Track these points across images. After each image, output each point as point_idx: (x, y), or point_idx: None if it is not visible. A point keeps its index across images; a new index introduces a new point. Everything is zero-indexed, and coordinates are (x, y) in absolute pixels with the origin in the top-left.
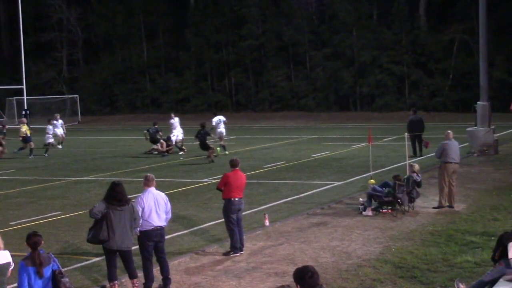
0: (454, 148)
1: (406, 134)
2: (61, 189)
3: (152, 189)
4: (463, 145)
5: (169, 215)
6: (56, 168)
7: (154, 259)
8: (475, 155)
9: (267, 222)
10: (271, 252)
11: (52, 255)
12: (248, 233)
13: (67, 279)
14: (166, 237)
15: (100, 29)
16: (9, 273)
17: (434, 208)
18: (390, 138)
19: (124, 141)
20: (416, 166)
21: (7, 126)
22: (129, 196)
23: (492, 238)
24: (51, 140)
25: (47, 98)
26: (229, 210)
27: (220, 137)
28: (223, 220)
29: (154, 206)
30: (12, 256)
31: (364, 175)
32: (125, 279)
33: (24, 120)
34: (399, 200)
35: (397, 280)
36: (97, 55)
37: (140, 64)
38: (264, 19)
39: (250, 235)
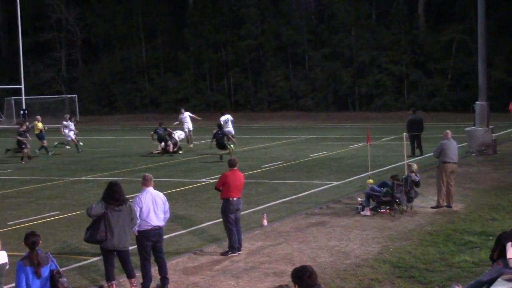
0: (453, 148)
1: (404, 134)
2: (59, 189)
3: (150, 189)
4: (462, 144)
5: (167, 215)
6: (55, 168)
7: (152, 259)
8: (474, 155)
9: (265, 222)
10: (269, 252)
11: (50, 255)
12: (246, 233)
13: (65, 279)
14: (164, 237)
15: (99, 29)
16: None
17: (432, 208)
18: (388, 138)
19: (122, 141)
20: (414, 166)
21: (25, 126)
22: (127, 196)
23: (491, 238)
24: (73, 137)
25: (46, 98)
26: (227, 210)
27: (227, 136)
28: (221, 220)
29: (152, 206)
30: (10, 256)
31: (363, 175)
32: (123, 279)
33: (39, 117)
34: (397, 200)
35: (395, 280)
36: (96, 55)
37: (139, 64)
38: (262, 19)
39: (248, 235)
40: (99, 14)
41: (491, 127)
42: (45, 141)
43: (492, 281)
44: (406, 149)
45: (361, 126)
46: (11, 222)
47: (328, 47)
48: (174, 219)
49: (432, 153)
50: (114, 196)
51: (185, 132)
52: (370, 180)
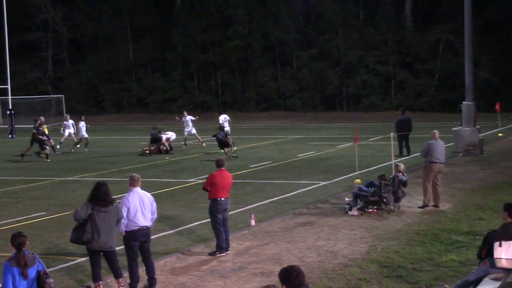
0: (440, 148)
1: (391, 133)
2: (46, 190)
3: (138, 189)
4: (449, 144)
5: (155, 215)
6: (41, 168)
7: (139, 259)
8: (461, 154)
9: (253, 222)
10: (257, 252)
11: (37, 256)
12: (234, 233)
13: (52, 280)
14: (152, 237)
15: (86, 29)
16: None
17: (419, 207)
18: (376, 138)
19: (110, 141)
20: (402, 166)
21: (39, 121)
22: (114, 196)
23: (477, 237)
24: (86, 135)
25: (32, 98)
26: (215, 210)
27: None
28: (209, 220)
29: (140, 206)
30: None
31: (350, 175)
32: (110, 279)
33: (42, 118)
34: (384, 200)
35: (383, 280)
36: (83, 55)
37: (126, 64)
38: (250, 19)
39: (236, 235)
40: (86, 13)
41: (478, 127)
42: (51, 140)
43: (479, 280)
44: (393, 149)
45: (349, 126)
46: None
47: (316, 47)
48: (162, 219)
49: (419, 153)
50: (101, 196)
51: (184, 134)
52: (357, 180)
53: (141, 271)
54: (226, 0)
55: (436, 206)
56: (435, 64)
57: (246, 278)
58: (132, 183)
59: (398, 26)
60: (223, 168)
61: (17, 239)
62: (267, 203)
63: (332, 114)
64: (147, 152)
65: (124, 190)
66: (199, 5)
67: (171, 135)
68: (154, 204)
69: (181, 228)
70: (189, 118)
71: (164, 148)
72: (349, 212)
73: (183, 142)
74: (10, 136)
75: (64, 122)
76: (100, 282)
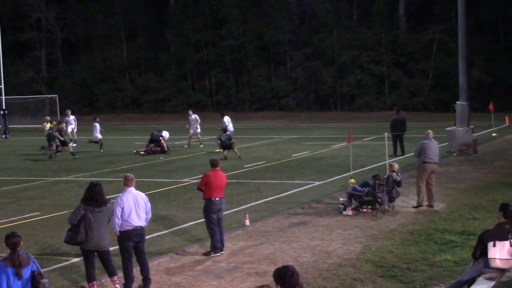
0: (433, 148)
1: (386, 133)
2: (40, 190)
3: (132, 189)
4: (443, 144)
5: (149, 215)
6: (35, 168)
7: (134, 259)
8: (454, 154)
9: (247, 222)
10: (251, 252)
11: (31, 256)
12: (228, 233)
13: (46, 280)
14: (146, 237)
15: (80, 29)
16: None
17: (413, 207)
18: (370, 138)
19: (104, 141)
20: (396, 166)
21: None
22: (108, 197)
23: (471, 237)
24: (101, 136)
25: (26, 98)
26: (209, 210)
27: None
28: (203, 220)
29: (134, 206)
30: None
31: (344, 175)
32: (104, 279)
33: (48, 118)
34: (379, 200)
35: (377, 279)
36: (77, 54)
37: (120, 64)
38: (244, 19)
39: (230, 235)
40: (80, 13)
41: (472, 127)
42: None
43: (473, 280)
44: (387, 149)
45: (343, 126)
46: None
47: (310, 47)
48: (156, 220)
49: (413, 153)
50: (94, 197)
51: (189, 133)
52: (352, 180)
53: (136, 271)
54: (220, 0)
55: (430, 206)
56: (429, 64)
57: (241, 278)
58: (127, 183)
59: (392, 26)
60: (217, 168)
61: (11, 239)
62: (261, 203)
63: (326, 114)
64: (141, 152)
65: (119, 190)
66: (192, 5)
67: (165, 134)
68: (149, 204)
69: (175, 228)
70: (194, 116)
71: (159, 149)
72: (344, 212)
73: (186, 142)
74: (3, 136)
75: (66, 118)
76: (95, 282)
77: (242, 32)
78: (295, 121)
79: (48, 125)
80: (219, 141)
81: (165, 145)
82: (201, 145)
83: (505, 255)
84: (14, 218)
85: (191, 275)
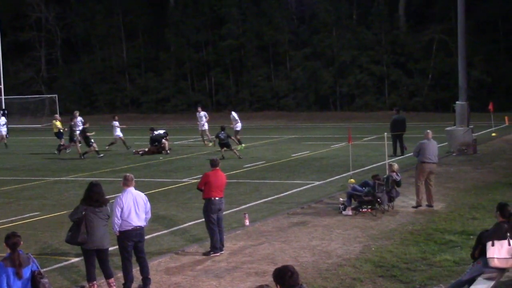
0: (432, 148)
1: (385, 133)
2: (39, 190)
3: (131, 189)
4: (442, 144)
5: (149, 215)
6: (35, 168)
7: (133, 259)
8: (454, 154)
9: (247, 222)
10: (251, 251)
11: (31, 256)
12: (228, 233)
13: (46, 280)
14: (146, 237)
15: (79, 29)
16: None
17: (413, 207)
18: (370, 138)
19: (103, 141)
20: (395, 166)
21: (87, 124)
22: (108, 197)
23: (471, 237)
24: (121, 135)
25: (26, 98)
26: (209, 210)
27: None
28: (203, 220)
29: (134, 206)
30: None
31: (344, 175)
32: (104, 279)
33: (57, 116)
34: (378, 200)
35: (376, 279)
36: (76, 54)
37: (120, 64)
38: (244, 19)
39: (230, 235)
40: (79, 13)
41: (471, 126)
42: (63, 140)
43: (473, 280)
44: (387, 149)
45: (343, 126)
46: None
47: (309, 47)
48: (156, 219)
49: (412, 153)
50: (94, 197)
51: (199, 131)
52: (351, 179)
53: (135, 271)
54: (220, 0)
55: (430, 206)
56: (429, 64)
57: (241, 278)
58: (126, 183)
59: (392, 26)
60: (217, 168)
61: (12, 239)
62: (261, 203)
63: (326, 114)
64: (140, 152)
65: (118, 190)
66: (192, 5)
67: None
68: (148, 204)
69: (175, 228)
70: (203, 113)
71: (158, 149)
72: (343, 212)
73: (201, 140)
74: None
75: (74, 119)
76: (95, 282)
77: (242, 32)
78: (295, 121)
79: (58, 123)
80: (216, 139)
81: (166, 144)
82: (210, 144)
83: (504, 255)
84: (13, 218)
85: (190, 275)
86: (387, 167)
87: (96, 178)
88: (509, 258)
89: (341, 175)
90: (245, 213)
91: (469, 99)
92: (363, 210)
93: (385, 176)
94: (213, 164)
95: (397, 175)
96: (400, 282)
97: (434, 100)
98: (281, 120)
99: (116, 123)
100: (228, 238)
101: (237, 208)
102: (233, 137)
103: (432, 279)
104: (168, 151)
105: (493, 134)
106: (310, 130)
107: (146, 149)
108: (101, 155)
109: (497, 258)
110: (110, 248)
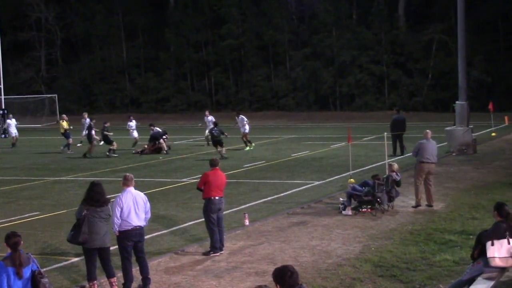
0: (430, 148)
1: (385, 133)
2: (39, 189)
3: (131, 189)
4: (442, 144)
5: (149, 215)
6: (35, 168)
7: (133, 259)
8: (454, 154)
9: (247, 222)
10: (251, 251)
11: (31, 256)
12: (228, 232)
13: (46, 280)
14: (146, 237)
15: (79, 29)
16: None
17: (412, 207)
18: (369, 138)
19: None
20: (395, 166)
21: (108, 123)
22: (108, 196)
23: (471, 236)
24: (135, 135)
25: (25, 98)
26: (209, 210)
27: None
28: (203, 219)
29: (133, 206)
30: None
31: (344, 175)
32: (104, 279)
33: (65, 116)
34: (378, 199)
35: (376, 279)
36: (76, 54)
37: (120, 64)
38: (244, 19)
39: (230, 235)
40: (79, 13)
41: (471, 126)
42: (70, 139)
43: (473, 280)
44: (387, 149)
45: (342, 125)
46: None
47: (309, 47)
48: (156, 219)
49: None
50: (95, 196)
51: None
52: (351, 179)
53: (135, 271)
54: (220, 0)
55: (429, 205)
56: (428, 64)
57: (240, 277)
58: (126, 182)
59: (391, 26)
60: (217, 167)
61: (12, 239)
62: (261, 202)
63: (326, 113)
64: (139, 152)
65: (118, 190)
66: (192, 5)
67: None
68: (148, 204)
69: (175, 228)
70: (211, 118)
71: (154, 146)
72: (343, 212)
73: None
74: (3, 135)
75: (82, 120)
76: (95, 281)
77: (242, 32)
78: (295, 121)
79: (64, 124)
80: (209, 135)
81: (164, 145)
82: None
83: (504, 254)
84: (13, 218)
85: (190, 275)
86: (387, 167)
87: (96, 178)
88: (509, 257)
89: (341, 175)
90: (245, 213)
91: (469, 99)
92: (363, 210)
93: (385, 176)
94: (213, 164)
95: (397, 175)
96: (400, 282)
97: (434, 100)
98: (281, 120)
99: (133, 125)
100: (228, 238)
101: (237, 208)
102: (243, 138)
103: (432, 279)
104: (166, 151)
105: (493, 134)
106: (310, 130)
107: (145, 146)
108: (116, 155)
109: (498, 257)
110: (110, 248)
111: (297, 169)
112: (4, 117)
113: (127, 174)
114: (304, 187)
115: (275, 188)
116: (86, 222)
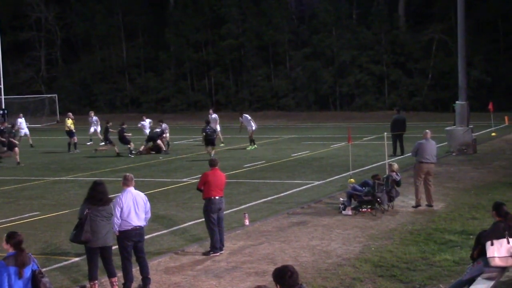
0: (430, 148)
1: (385, 133)
2: (39, 189)
3: (131, 189)
4: (442, 144)
5: (149, 215)
6: (34, 168)
7: (133, 259)
8: (454, 154)
9: (247, 222)
10: (251, 251)
11: (32, 256)
12: (228, 232)
13: (47, 279)
14: (146, 237)
15: (79, 29)
16: None
17: (412, 207)
18: (369, 138)
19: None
20: (395, 165)
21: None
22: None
23: (471, 236)
24: (92, 131)
25: (25, 98)
26: (209, 210)
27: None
28: (203, 219)
29: (133, 206)
30: None
31: (344, 175)
32: (104, 279)
33: (71, 115)
34: (378, 199)
35: (376, 279)
36: (76, 54)
37: (120, 64)
38: (244, 19)
39: (230, 235)
40: (79, 13)
41: (471, 126)
42: (75, 138)
43: (473, 279)
44: (387, 149)
45: (342, 125)
46: None
47: (309, 47)
48: (156, 219)
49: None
50: (97, 196)
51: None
52: (351, 179)
53: (135, 271)
54: (219, 0)
55: (429, 205)
56: (428, 64)
57: (240, 277)
58: (126, 182)
59: (391, 25)
60: (216, 167)
61: (15, 238)
62: (261, 202)
63: (326, 113)
64: (135, 152)
65: (118, 190)
66: (192, 5)
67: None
68: (148, 204)
69: (175, 228)
70: (215, 116)
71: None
72: (343, 212)
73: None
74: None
75: (89, 119)
76: (96, 281)
77: (242, 32)
78: (295, 120)
79: (69, 122)
80: (203, 134)
81: (162, 145)
82: (222, 144)
83: (504, 253)
84: (13, 218)
85: (190, 275)
86: (387, 167)
87: (96, 177)
88: (509, 256)
89: (341, 175)
90: (245, 213)
91: (469, 99)
92: (363, 210)
93: (385, 176)
94: (212, 163)
95: (397, 175)
96: (400, 282)
97: (434, 100)
98: (281, 120)
99: (146, 124)
100: (228, 238)
101: (237, 208)
102: (250, 137)
103: (432, 279)
104: (165, 151)
105: (493, 134)
106: (310, 130)
107: (142, 148)
108: (132, 155)
109: (498, 257)
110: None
111: (297, 169)
112: (5, 117)
113: (127, 174)
114: (304, 187)
115: (275, 188)
116: (88, 221)
